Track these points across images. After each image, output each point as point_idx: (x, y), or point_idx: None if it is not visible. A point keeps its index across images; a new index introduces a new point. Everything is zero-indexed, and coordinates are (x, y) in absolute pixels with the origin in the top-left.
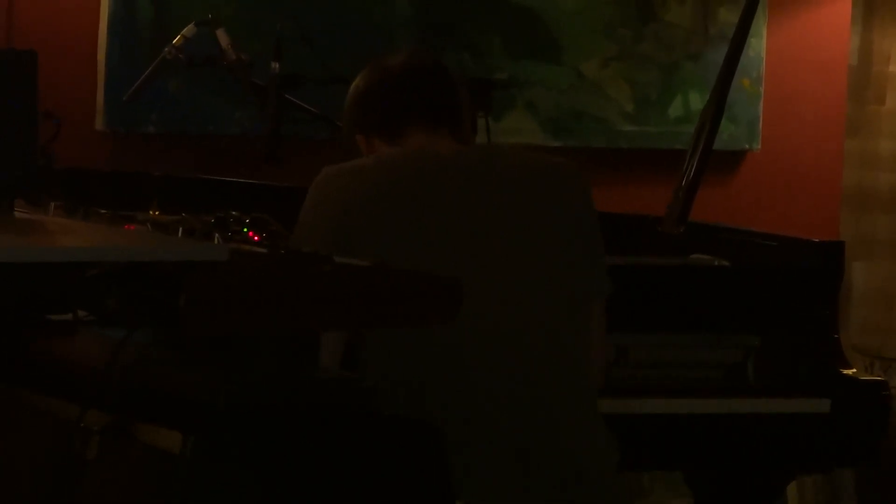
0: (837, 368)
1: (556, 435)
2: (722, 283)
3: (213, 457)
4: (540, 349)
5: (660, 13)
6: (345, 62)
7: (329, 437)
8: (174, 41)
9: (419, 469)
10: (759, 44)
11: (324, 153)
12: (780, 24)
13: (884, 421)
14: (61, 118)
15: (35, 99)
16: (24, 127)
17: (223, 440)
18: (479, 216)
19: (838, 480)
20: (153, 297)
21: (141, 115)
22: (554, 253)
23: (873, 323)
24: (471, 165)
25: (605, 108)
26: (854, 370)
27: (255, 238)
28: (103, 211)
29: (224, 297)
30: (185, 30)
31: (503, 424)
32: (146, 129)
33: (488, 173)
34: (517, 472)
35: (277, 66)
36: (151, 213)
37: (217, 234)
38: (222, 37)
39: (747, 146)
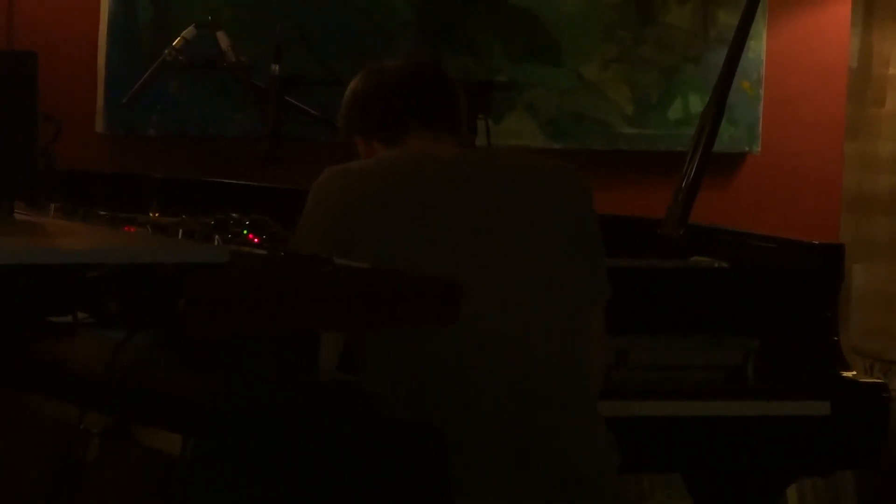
0: (837, 371)
1: (557, 437)
2: (722, 286)
3: (212, 459)
4: (540, 351)
5: (660, 16)
6: (345, 64)
7: (329, 440)
8: (174, 43)
9: (419, 471)
10: (759, 46)
11: (324, 155)
12: (779, 27)
13: (884, 423)
14: (61, 120)
15: (35, 101)
16: (24, 129)
17: (223, 442)
18: (479, 218)
19: (838, 483)
20: (153, 299)
21: (141, 116)
22: (554, 256)
23: (873, 325)
24: (471, 168)
25: (605, 110)
26: (854, 372)
27: (255, 240)
28: (103, 213)
29: (224, 299)
30: (185, 32)
31: (503, 426)
32: (146, 130)
33: (488, 176)
34: (517, 474)
35: (277, 67)
36: (151, 214)
37: (217, 236)
38: (222, 39)
39: (747, 148)
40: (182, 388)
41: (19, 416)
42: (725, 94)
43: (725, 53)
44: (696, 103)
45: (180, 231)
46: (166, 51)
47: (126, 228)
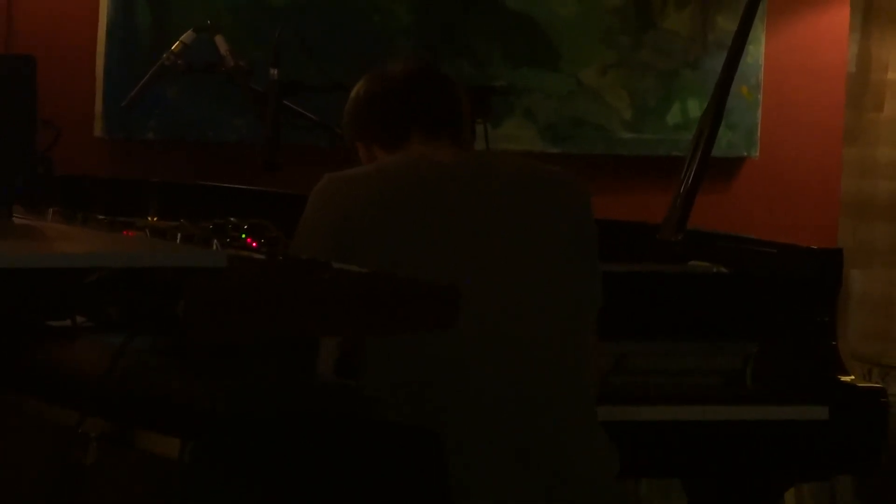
0: (836, 376)
1: (556, 440)
2: (720, 290)
3: (211, 463)
4: (539, 355)
5: (658, 21)
6: (344, 69)
7: (327, 443)
8: (173, 47)
9: (418, 475)
10: (758, 51)
11: (323, 160)
12: (778, 32)
13: (882, 428)
14: (60, 124)
15: (34, 105)
16: (23, 133)
17: (221, 446)
18: (479, 223)
19: (837, 487)
20: (152, 304)
21: (140, 121)
22: (553, 260)
23: (871, 330)
24: (471, 173)
25: (603, 115)
26: (852, 377)
27: (254, 244)
28: (102, 217)
29: (223, 303)
30: (184, 36)
31: (503, 429)
32: (145, 135)
33: (489, 181)
34: (517, 478)
35: (276, 72)
36: (150, 219)
37: (215, 241)
38: (221, 43)
39: (746, 153)
40: (180, 392)
41: (18, 420)
42: (724, 98)
43: (724, 58)
44: (695, 108)
45: (179, 235)
46: (165, 55)
47: (124, 233)
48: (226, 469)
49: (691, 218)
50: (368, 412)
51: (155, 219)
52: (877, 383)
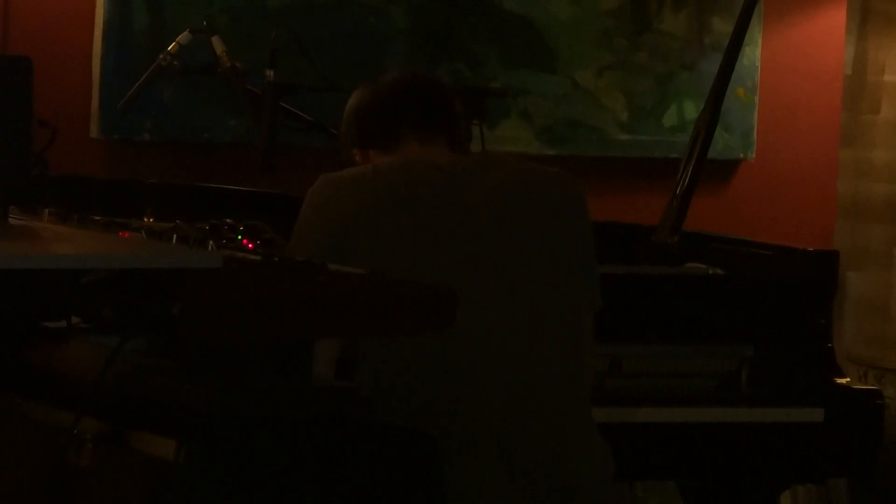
0: (831, 378)
1: (553, 443)
2: (716, 293)
3: (206, 464)
4: (537, 357)
5: (655, 23)
6: (340, 71)
7: (322, 446)
8: (169, 49)
9: (413, 478)
10: (754, 53)
11: (318, 161)
12: (774, 34)
13: (877, 430)
14: (56, 125)
15: (30, 106)
16: (18, 134)
17: (217, 448)
18: (475, 225)
19: (832, 489)
20: (147, 305)
21: (135, 122)
22: (551, 263)
23: (867, 332)
24: (468, 174)
25: (599, 117)
26: (848, 380)
27: (250, 245)
28: (98, 218)
29: (219, 305)
30: (180, 37)
31: (499, 432)
32: (141, 136)
33: (486, 182)
34: (513, 480)
35: (272, 73)
36: (146, 220)
37: (211, 242)
38: (217, 44)
39: (742, 155)
40: (176, 393)
41: (13, 421)
42: (720, 100)
43: (720, 60)
44: (691, 110)
45: (174, 236)
46: (161, 56)
47: (120, 234)
48: (221, 471)
49: (687, 220)
50: (364, 414)
51: (151, 220)
52: (872, 385)
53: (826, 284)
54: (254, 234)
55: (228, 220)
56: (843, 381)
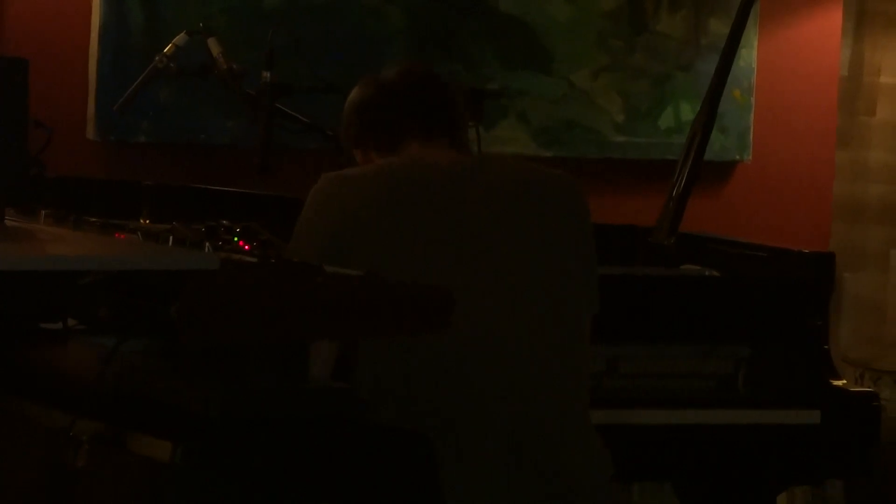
0: (828, 380)
1: (551, 445)
2: (712, 294)
3: (202, 466)
4: (534, 358)
5: (651, 24)
6: (337, 72)
7: (318, 447)
8: (165, 50)
9: (409, 479)
10: (751, 54)
11: (315, 163)
12: (771, 35)
13: (874, 432)
14: (52, 127)
15: (26, 107)
16: (15, 135)
17: (213, 449)
18: (476, 225)
19: (828, 491)
20: (143, 306)
21: (132, 123)
22: (551, 264)
23: (864, 334)
24: (469, 175)
25: (596, 118)
26: (844, 381)
27: (246, 247)
28: (94, 219)
29: (215, 306)
30: (177, 39)
31: (497, 434)
32: (137, 138)
33: (487, 183)
34: (510, 481)
35: (269, 75)
36: (142, 221)
37: (208, 243)
38: (214, 46)
39: (738, 157)
40: (172, 394)
41: (9, 423)
42: (716, 102)
43: (717, 62)
44: (688, 111)
45: (171, 238)
46: (157, 58)
47: (116, 235)
48: (217, 472)
49: (684, 221)
50: (360, 415)
51: (147, 221)
52: (868, 387)
53: (822, 286)
54: (250, 236)
55: (225, 222)
56: (840, 382)
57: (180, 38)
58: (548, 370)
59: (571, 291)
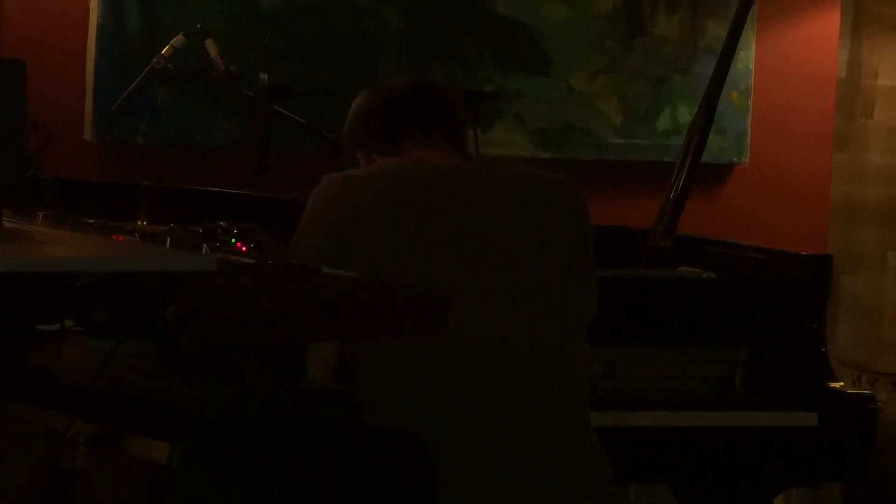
0: (825, 382)
1: (550, 447)
2: (710, 296)
3: (200, 467)
4: (533, 361)
5: (649, 26)
6: (334, 74)
7: (315, 449)
8: (163, 52)
9: (405, 481)
10: (748, 57)
11: (312, 164)
12: (768, 38)
13: (871, 434)
14: (50, 128)
15: (24, 109)
16: (12, 136)
17: (210, 451)
18: (476, 227)
19: (825, 493)
20: (141, 308)
21: (129, 125)
22: (550, 267)
23: (861, 336)
24: (470, 177)
25: (593, 120)
26: (841, 384)
27: (243, 249)
28: (91, 221)
29: (212, 308)
30: (174, 40)
31: (496, 436)
32: (134, 139)
33: (488, 185)
34: (509, 484)
35: (266, 76)
36: (139, 223)
37: (205, 245)
38: (211, 47)
39: (736, 159)
40: (169, 396)
41: (7, 424)
42: (714, 104)
43: (714, 64)
44: (685, 114)
45: (168, 239)
46: (155, 59)
47: (114, 237)
48: (215, 474)
49: (681, 223)
50: (357, 417)
51: (144, 223)
52: (866, 389)
53: (820, 288)
54: (247, 238)
55: (222, 224)
56: (837, 385)
57: (178, 40)
58: (547, 372)
59: (571, 294)
